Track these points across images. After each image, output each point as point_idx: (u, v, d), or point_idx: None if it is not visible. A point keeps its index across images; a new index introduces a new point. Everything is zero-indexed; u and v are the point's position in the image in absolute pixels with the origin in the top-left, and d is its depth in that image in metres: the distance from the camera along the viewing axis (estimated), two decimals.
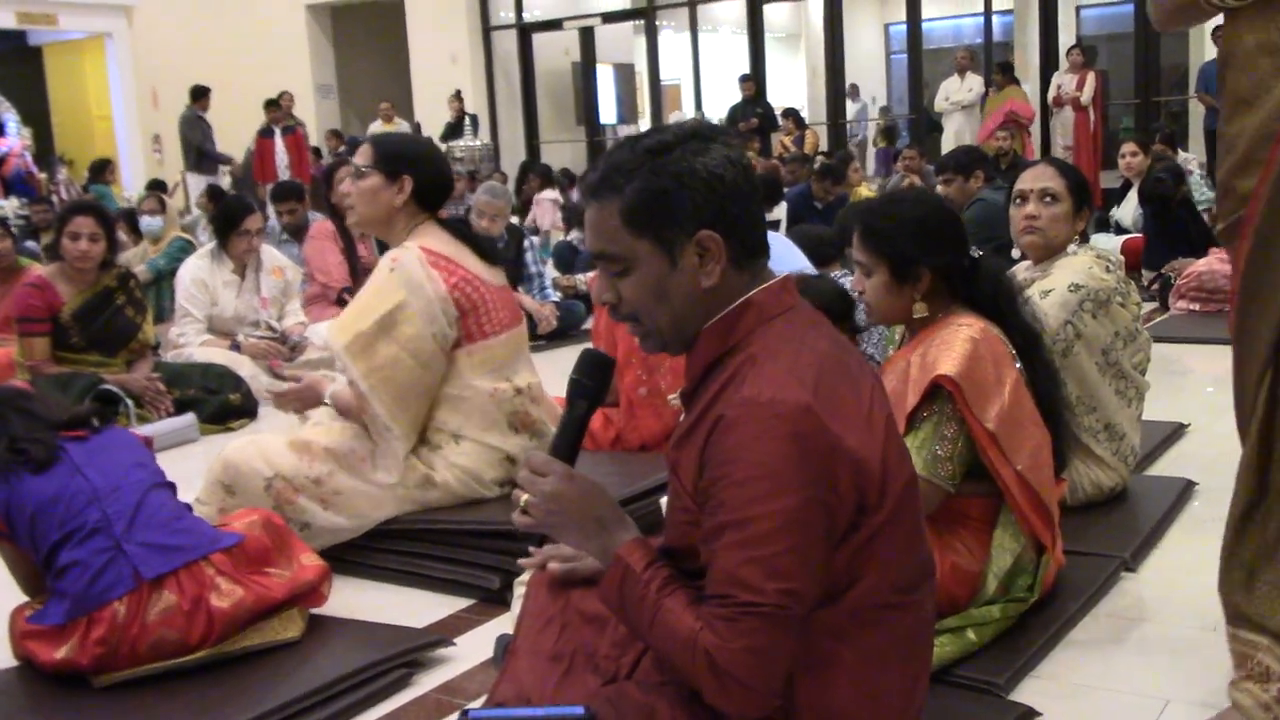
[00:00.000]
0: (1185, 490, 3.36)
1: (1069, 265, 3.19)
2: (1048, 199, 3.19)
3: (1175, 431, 3.97)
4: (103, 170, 12.24)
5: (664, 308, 1.65)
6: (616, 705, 1.68)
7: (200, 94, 12.38)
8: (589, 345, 3.74)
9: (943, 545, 2.39)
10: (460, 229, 3.26)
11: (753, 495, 1.53)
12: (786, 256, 4.24)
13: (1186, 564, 2.91)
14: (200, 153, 12.27)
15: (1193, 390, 4.84)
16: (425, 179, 3.15)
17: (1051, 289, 3.13)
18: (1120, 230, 7.79)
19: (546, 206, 9.59)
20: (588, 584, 1.87)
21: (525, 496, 1.71)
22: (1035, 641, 2.44)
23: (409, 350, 3.01)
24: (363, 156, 3.19)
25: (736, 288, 1.65)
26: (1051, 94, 11.56)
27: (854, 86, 16.69)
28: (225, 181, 12.31)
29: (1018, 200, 3.26)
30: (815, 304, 2.42)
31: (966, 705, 2.24)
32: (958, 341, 2.41)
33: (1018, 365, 2.47)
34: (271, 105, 12.64)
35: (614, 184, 1.62)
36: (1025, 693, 2.31)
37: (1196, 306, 6.20)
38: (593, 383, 1.77)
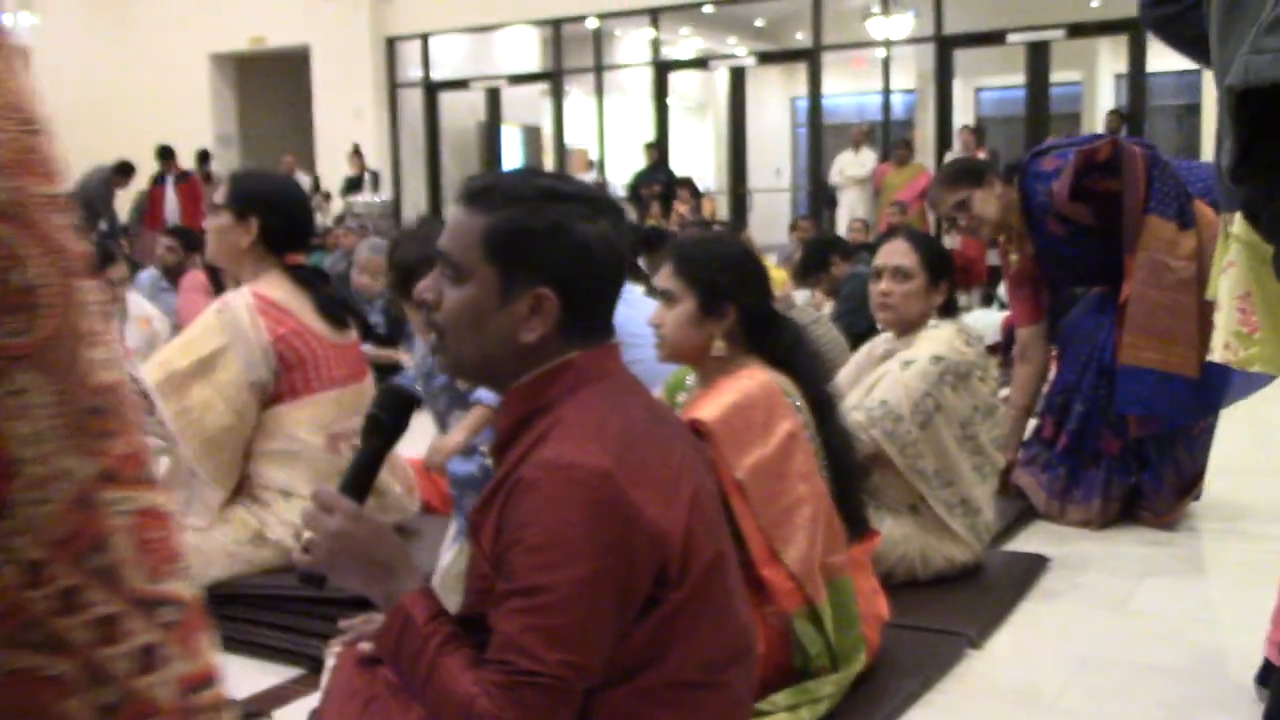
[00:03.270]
0: (1036, 565, 3.36)
1: (931, 338, 3.21)
2: (900, 275, 3.22)
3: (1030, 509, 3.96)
4: None
5: (473, 338, 1.60)
6: None
7: (125, 170, 12.12)
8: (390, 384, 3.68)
9: (759, 614, 2.35)
10: (308, 279, 3.17)
11: (543, 562, 1.46)
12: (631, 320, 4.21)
13: (1029, 642, 2.90)
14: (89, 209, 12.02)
15: None
16: (274, 222, 3.06)
17: (913, 360, 3.14)
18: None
19: None
20: None
21: (308, 533, 1.62)
22: (869, 718, 2.39)
23: (223, 395, 2.93)
24: (219, 193, 3.12)
25: (557, 351, 1.60)
26: None
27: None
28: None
29: (875, 276, 3.29)
30: None
31: None
32: (730, 390, 2.39)
33: (805, 426, 2.43)
34: (164, 155, 12.47)
35: (492, 201, 1.57)
36: None
37: None
38: (389, 419, 1.70)
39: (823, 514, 2.41)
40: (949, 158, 11.86)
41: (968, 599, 3.07)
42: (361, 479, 1.68)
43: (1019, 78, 13.40)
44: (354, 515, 1.62)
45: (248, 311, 2.98)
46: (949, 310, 3.35)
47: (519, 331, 1.58)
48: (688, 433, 1.74)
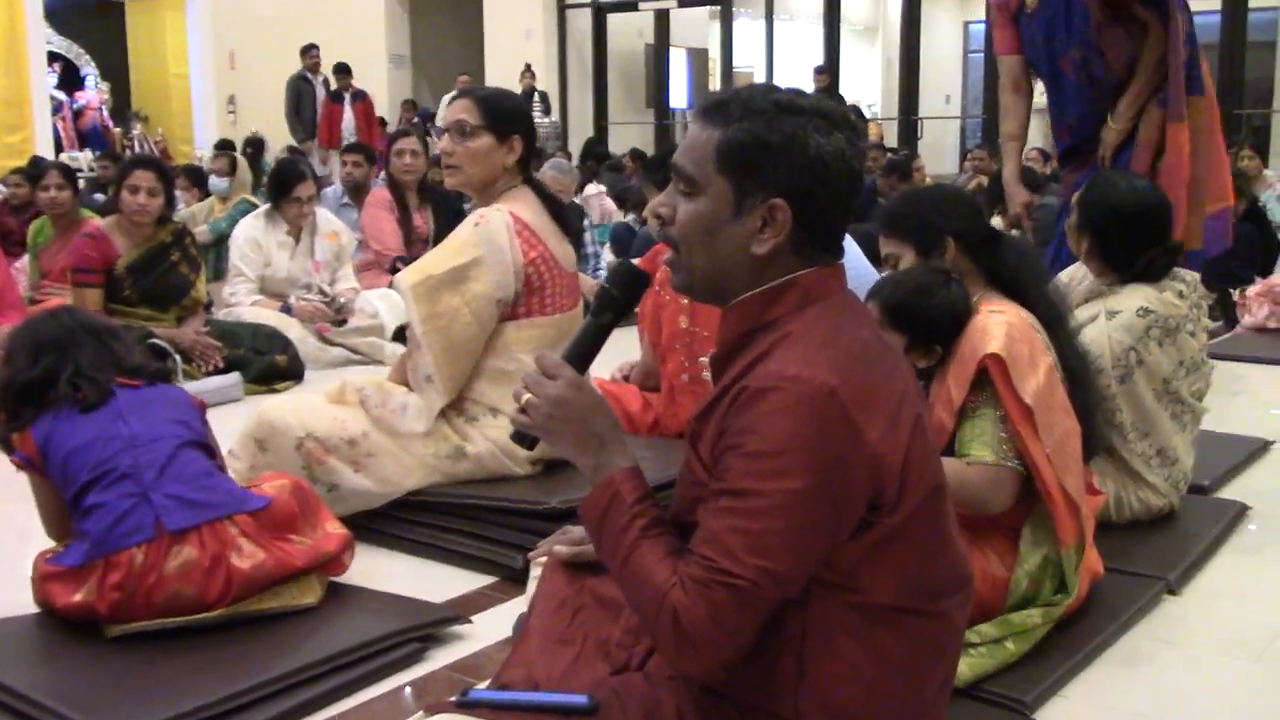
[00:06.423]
0: (1238, 514, 3.24)
1: (1140, 289, 3.06)
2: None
3: (1261, 449, 3.87)
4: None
5: (705, 250, 1.59)
6: (621, 696, 1.64)
7: (304, 51, 12.40)
8: (635, 321, 3.71)
9: (972, 551, 2.32)
10: (549, 195, 3.21)
11: (759, 469, 1.47)
12: (849, 255, 4.19)
13: (1231, 590, 2.81)
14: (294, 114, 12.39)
15: (1259, 412, 4.66)
16: (531, 141, 3.15)
17: (1119, 310, 3.01)
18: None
19: (592, 202, 9.08)
20: (603, 569, 1.81)
21: (527, 395, 1.64)
22: (1066, 660, 2.35)
23: (471, 306, 3.00)
24: (469, 114, 3.06)
25: (786, 268, 1.59)
26: None
27: None
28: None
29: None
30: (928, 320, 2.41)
31: None
32: (993, 324, 2.39)
33: (1050, 355, 2.43)
34: (342, 71, 12.69)
35: (728, 114, 1.57)
36: (1051, 713, 2.23)
37: (1273, 323, 6.06)
38: (621, 295, 1.70)
39: (1079, 449, 2.43)
40: None
41: (1165, 544, 2.98)
42: (586, 350, 1.69)
43: (1213, 1, 12.65)
44: (575, 383, 1.63)
45: (506, 231, 3.03)
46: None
47: (751, 244, 1.57)
48: (908, 361, 1.72)
